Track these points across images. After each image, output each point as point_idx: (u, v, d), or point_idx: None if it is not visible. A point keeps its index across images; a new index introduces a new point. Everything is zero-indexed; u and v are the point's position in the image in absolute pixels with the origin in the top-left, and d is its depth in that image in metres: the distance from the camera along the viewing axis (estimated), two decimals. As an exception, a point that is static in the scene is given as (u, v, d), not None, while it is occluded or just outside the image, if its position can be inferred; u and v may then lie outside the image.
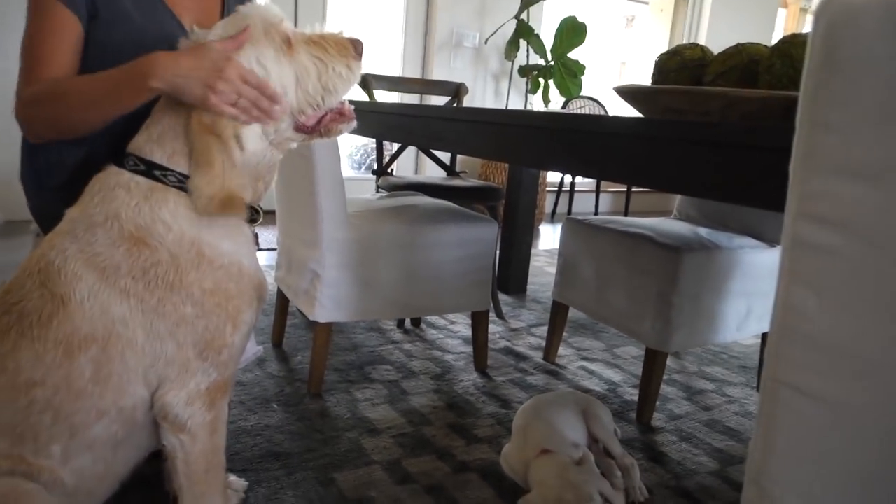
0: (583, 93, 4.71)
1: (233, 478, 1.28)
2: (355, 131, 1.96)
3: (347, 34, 1.02)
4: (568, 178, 5.14)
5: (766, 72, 1.23)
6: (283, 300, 2.02)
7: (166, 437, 0.91)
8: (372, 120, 1.89)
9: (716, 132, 0.87)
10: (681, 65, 1.42)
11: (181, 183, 0.90)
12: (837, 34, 0.51)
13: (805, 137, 0.53)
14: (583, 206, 5.43)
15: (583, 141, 1.13)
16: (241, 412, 1.61)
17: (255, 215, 1.01)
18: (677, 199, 2.23)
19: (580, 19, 4.48)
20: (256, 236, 1.05)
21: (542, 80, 4.61)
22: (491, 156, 1.48)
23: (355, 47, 1.00)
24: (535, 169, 2.76)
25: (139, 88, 0.87)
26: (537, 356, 2.14)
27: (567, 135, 1.16)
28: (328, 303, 1.68)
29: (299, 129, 0.99)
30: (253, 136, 0.92)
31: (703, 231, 1.84)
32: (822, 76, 0.52)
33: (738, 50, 1.31)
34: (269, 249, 3.27)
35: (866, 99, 0.50)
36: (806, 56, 0.53)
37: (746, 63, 1.29)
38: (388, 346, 2.13)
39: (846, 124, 0.51)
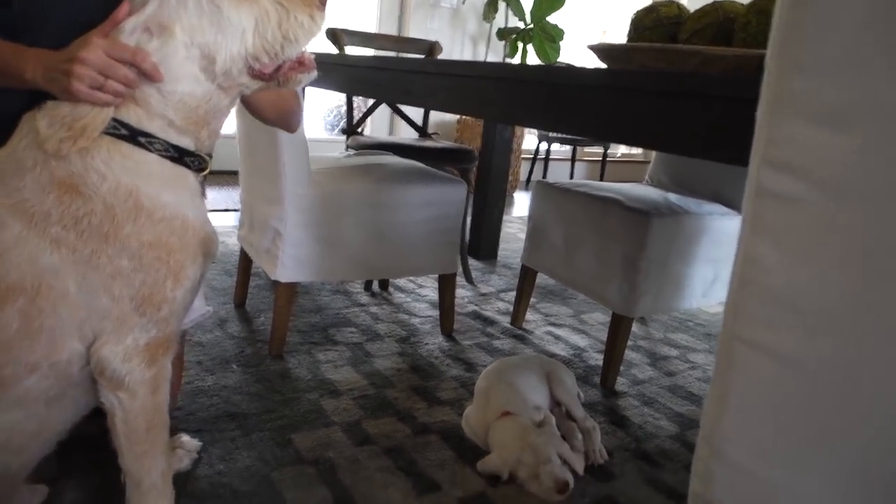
0: (562, 59, 4.64)
1: (185, 438, 1.25)
2: (324, 85, 1.90)
3: None
4: (543, 146, 5.10)
5: (742, 29, 1.19)
6: (245, 260, 1.96)
7: (104, 395, 0.87)
8: (340, 74, 1.82)
9: (690, 83, 0.84)
10: (656, 22, 1.37)
11: (116, 130, 0.84)
12: (813, -34, 0.47)
13: (774, 80, 0.50)
14: (558, 174, 5.40)
15: (554, 94, 1.08)
16: (199, 372, 1.56)
17: (203, 164, 0.95)
18: (649, 166, 2.21)
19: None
20: (203, 186, 1.00)
21: (520, 44, 4.53)
22: (461, 110, 1.43)
23: None
24: (506, 123, 2.71)
25: (19, 78, 0.87)
26: (505, 321, 2.12)
27: (538, 87, 1.12)
28: (290, 262, 1.64)
29: (255, 75, 0.93)
30: (187, 77, 0.86)
31: (673, 197, 1.83)
32: (793, 15, 0.49)
33: (714, 7, 1.27)
34: (234, 210, 3.19)
35: (839, 40, 0.47)
36: (779, -9, 0.49)
37: (722, 21, 1.25)
38: (353, 308, 2.10)
39: (817, 66, 0.48)
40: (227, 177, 3.78)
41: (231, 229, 2.76)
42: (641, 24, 1.40)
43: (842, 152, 0.46)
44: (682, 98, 0.86)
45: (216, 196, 3.50)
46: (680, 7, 1.37)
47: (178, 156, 0.90)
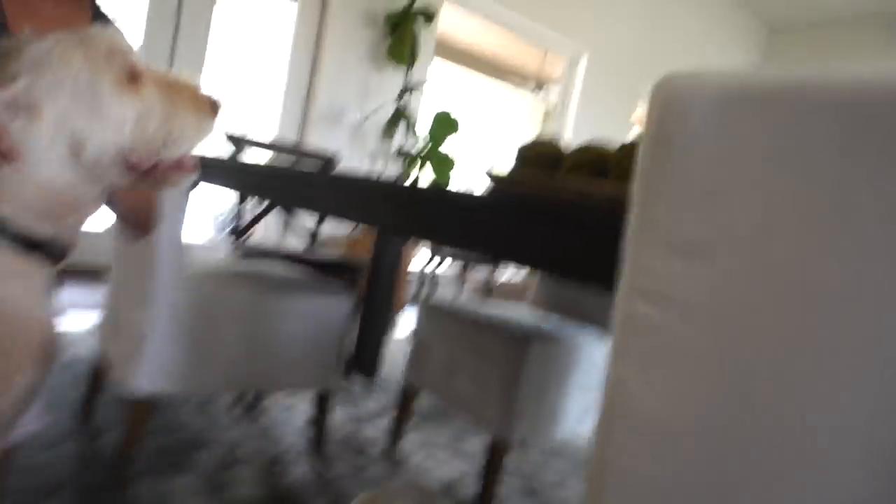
0: (461, 180, 4.90)
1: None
2: (213, 182, 1.84)
3: (207, 90, 0.94)
4: (436, 260, 5.20)
5: (617, 166, 1.30)
6: (98, 368, 1.76)
7: None
8: (233, 176, 1.79)
9: (567, 211, 0.88)
10: (539, 156, 1.47)
11: None
12: (669, 112, 0.52)
13: (639, 212, 0.53)
14: (446, 291, 5.48)
15: (443, 214, 1.11)
16: (25, 498, 1.33)
17: (59, 255, 0.86)
18: (532, 289, 2.28)
19: (457, 115, 4.73)
20: (56, 280, 0.89)
21: (417, 163, 4.76)
22: (354, 218, 1.43)
23: (212, 105, 0.92)
24: (397, 236, 2.73)
25: None
26: (382, 442, 2.02)
27: (428, 206, 1.14)
28: (153, 372, 1.48)
29: (129, 168, 0.87)
30: (51, 162, 0.79)
31: (553, 320, 1.88)
32: (655, 151, 0.52)
33: (590, 147, 1.39)
34: (94, 310, 2.92)
35: (693, 175, 0.51)
36: (644, 131, 0.53)
37: (598, 158, 1.36)
38: (215, 429, 1.92)
39: (675, 200, 0.51)
40: (92, 273, 3.50)
41: (87, 332, 2.51)
42: (525, 154, 1.49)
43: (699, 281, 0.48)
44: (559, 225, 0.90)
45: (75, 294, 3.20)
46: (559, 145, 1.48)
47: (29, 246, 0.81)
